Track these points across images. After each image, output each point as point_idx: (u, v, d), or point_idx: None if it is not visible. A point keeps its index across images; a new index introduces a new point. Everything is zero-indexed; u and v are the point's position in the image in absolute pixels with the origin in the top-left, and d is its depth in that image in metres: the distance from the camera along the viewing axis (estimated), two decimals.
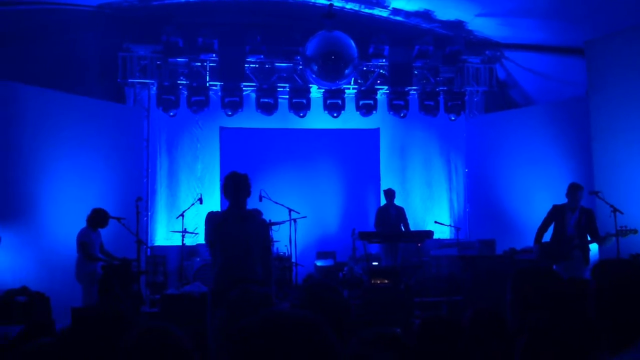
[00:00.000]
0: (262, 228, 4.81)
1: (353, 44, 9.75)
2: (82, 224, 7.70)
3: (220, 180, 10.72)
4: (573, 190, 7.31)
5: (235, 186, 4.66)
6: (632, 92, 7.84)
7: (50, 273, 8.08)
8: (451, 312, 7.78)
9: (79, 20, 9.59)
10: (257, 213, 4.80)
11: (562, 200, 7.41)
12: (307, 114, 11.01)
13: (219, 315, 2.52)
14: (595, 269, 2.18)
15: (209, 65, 10.74)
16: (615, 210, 7.16)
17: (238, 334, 1.27)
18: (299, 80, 10.99)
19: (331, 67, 9.73)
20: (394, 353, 1.99)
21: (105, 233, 7.91)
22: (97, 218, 7.71)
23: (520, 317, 2.40)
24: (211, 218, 4.71)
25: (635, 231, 6.98)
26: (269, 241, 4.93)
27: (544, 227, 7.45)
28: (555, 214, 7.40)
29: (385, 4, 9.93)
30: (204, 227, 4.77)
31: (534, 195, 9.73)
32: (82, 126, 9.21)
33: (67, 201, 8.67)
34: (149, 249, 10.02)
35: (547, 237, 7.52)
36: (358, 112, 11.16)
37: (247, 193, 4.72)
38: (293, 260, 9.64)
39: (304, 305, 3.00)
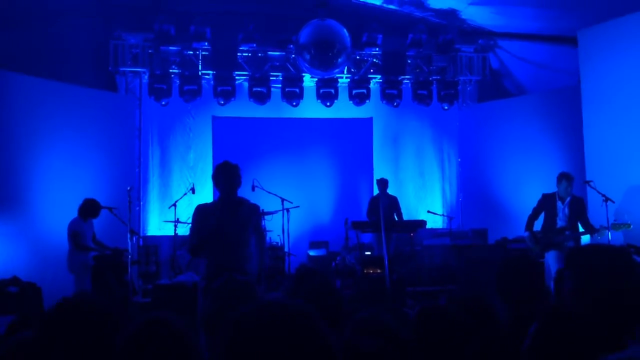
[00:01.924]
0: (252, 214, 4.77)
1: (346, 32, 9.72)
2: (74, 213, 7.66)
3: (213, 170, 10.68)
4: (562, 179, 7.29)
5: (225, 176, 4.63)
6: (624, 81, 7.85)
7: (42, 263, 8.06)
8: (450, 300, 7.79)
9: (70, 7, 9.48)
10: (245, 200, 4.77)
11: (555, 189, 7.40)
12: (300, 103, 10.99)
13: (203, 305, 2.53)
14: (568, 256, 2.19)
15: (202, 54, 10.67)
16: (607, 199, 7.18)
17: (231, 323, 1.28)
18: (291, 69, 10.95)
19: (324, 56, 9.70)
20: (385, 340, 1.98)
21: (97, 223, 7.87)
22: (89, 208, 7.67)
23: (510, 308, 2.41)
24: (201, 211, 4.68)
25: (628, 225, 6.99)
26: (260, 228, 4.90)
27: (534, 215, 7.46)
28: (545, 203, 7.39)
29: None
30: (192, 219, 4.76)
31: (527, 185, 9.74)
32: (73, 115, 9.16)
33: (58, 190, 8.63)
34: (141, 239, 9.99)
35: (538, 225, 7.53)
36: (351, 102, 11.14)
37: (238, 183, 4.68)
38: (286, 250, 9.65)
39: (296, 295, 3.01)
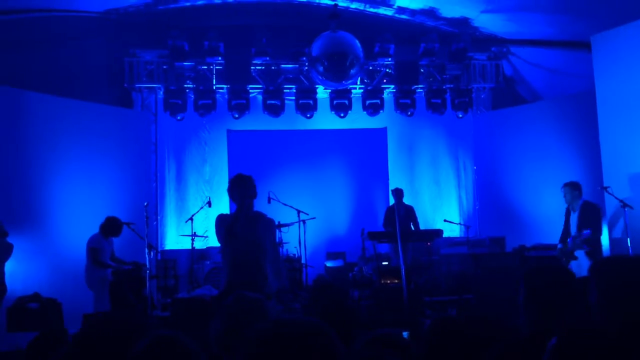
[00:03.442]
0: (269, 228, 4.79)
1: (358, 43, 9.75)
2: (92, 229, 7.74)
3: (228, 183, 10.74)
4: (562, 189, 7.33)
5: (240, 188, 4.66)
6: (639, 85, 7.78)
7: (62, 279, 8.15)
8: (461, 311, 7.75)
9: (85, 26, 9.64)
10: (263, 214, 4.80)
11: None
12: (314, 114, 11.03)
13: (213, 324, 2.52)
14: (593, 267, 2.18)
15: (215, 69, 10.77)
16: (624, 205, 7.11)
17: (248, 341, 1.30)
18: (305, 81, 11.00)
19: (337, 67, 9.73)
20: (399, 354, 1.98)
21: (115, 238, 7.94)
22: (111, 226, 7.74)
23: (534, 318, 2.38)
24: (222, 220, 4.72)
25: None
26: (276, 244, 4.93)
27: (564, 228, 7.43)
28: (566, 214, 7.39)
29: (390, 3, 9.92)
30: (214, 230, 4.78)
31: (544, 192, 9.68)
32: (90, 132, 9.28)
33: (77, 207, 8.74)
34: (159, 253, 10.06)
35: None
36: (365, 112, 11.16)
37: (253, 194, 4.72)
38: (303, 261, 9.65)
39: (313, 308, 3.02)
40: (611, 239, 7.89)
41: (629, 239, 6.89)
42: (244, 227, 4.59)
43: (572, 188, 7.24)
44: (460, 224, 10.80)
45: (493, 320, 2.45)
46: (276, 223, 8.89)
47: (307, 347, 1.27)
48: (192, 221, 9.48)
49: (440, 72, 11.37)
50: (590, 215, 7.11)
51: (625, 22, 7.97)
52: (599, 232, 7.15)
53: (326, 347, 1.28)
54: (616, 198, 7.25)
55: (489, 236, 9.90)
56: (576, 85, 10.25)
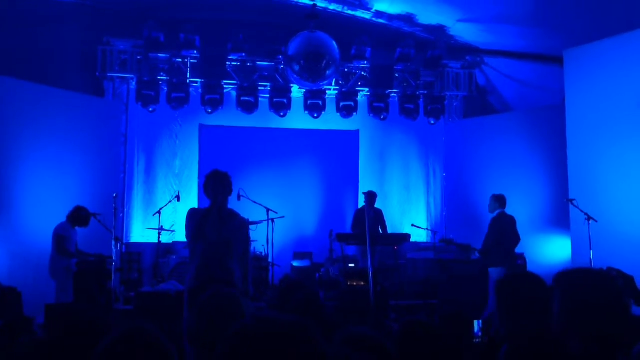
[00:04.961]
0: (242, 227, 4.77)
1: (335, 44, 9.78)
2: (58, 218, 7.57)
3: (199, 178, 10.65)
4: None
5: (216, 184, 4.62)
6: (608, 101, 7.97)
7: (23, 267, 7.96)
8: (432, 315, 7.85)
9: (59, 11, 9.44)
10: (237, 213, 4.76)
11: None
12: (288, 113, 11.00)
13: (188, 318, 2.51)
14: (555, 277, 2.22)
15: (190, 62, 10.66)
16: (589, 218, 7.27)
17: (230, 337, 1.28)
18: (280, 79, 10.97)
19: (313, 68, 9.74)
20: (376, 355, 1.99)
21: (81, 228, 7.79)
22: (78, 216, 7.58)
23: (509, 325, 2.41)
24: (193, 214, 4.67)
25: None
26: (248, 241, 4.90)
27: None
28: None
29: (368, 6, 9.96)
30: (184, 223, 4.72)
31: (510, 201, 9.79)
32: (59, 119, 9.08)
33: (42, 195, 8.54)
34: (124, 246, 9.91)
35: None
36: (338, 114, 11.17)
37: (229, 191, 4.68)
38: (270, 260, 9.62)
39: (282, 307, 3.01)
40: (574, 251, 8.06)
41: (591, 252, 7.03)
42: (216, 224, 4.54)
43: (491, 200, 7.86)
44: (427, 229, 10.90)
45: (463, 321, 2.49)
46: (249, 225, 8.89)
47: (291, 345, 1.25)
48: (160, 215, 9.37)
49: (415, 78, 11.46)
50: (490, 229, 7.54)
51: (598, 39, 8.15)
52: (495, 243, 7.60)
53: (312, 346, 1.27)
54: (581, 210, 7.41)
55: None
56: (546, 99, 10.45)
